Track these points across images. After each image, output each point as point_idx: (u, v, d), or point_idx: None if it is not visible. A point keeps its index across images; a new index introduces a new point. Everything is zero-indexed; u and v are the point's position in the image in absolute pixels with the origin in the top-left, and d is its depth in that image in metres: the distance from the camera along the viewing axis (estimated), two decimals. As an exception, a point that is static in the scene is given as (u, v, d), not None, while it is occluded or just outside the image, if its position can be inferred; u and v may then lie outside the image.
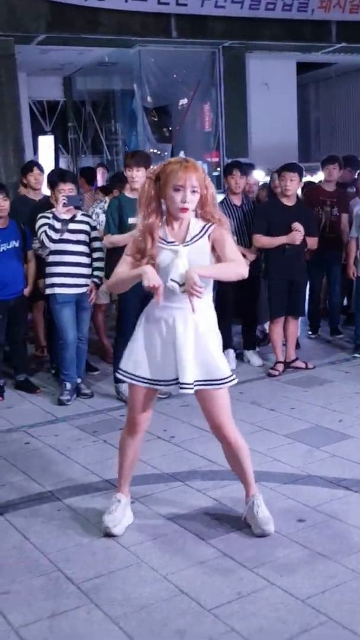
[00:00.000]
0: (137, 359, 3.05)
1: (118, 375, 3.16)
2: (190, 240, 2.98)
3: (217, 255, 2.98)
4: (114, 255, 5.04)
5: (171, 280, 2.90)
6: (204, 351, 2.98)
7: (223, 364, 3.04)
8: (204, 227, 3.00)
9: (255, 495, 3.20)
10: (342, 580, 2.73)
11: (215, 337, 3.05)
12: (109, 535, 3.14)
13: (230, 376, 3.04)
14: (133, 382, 3.08)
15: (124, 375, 3.10)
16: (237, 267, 2.94)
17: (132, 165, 4.85)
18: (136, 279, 2.94)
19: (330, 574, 2.78)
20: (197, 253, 2.96)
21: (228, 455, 3.21)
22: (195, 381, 2.98)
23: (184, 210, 2.93)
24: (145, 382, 3.06)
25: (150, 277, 2.86)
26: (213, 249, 2.98)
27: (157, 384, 3.06)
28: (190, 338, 2.96)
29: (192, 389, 2.96)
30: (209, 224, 2.99)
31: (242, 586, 2.73)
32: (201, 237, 2.98)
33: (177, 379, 2.96)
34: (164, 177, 2.93)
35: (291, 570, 2.82)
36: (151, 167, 3.04)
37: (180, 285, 2.89)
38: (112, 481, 3.72)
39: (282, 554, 2.95)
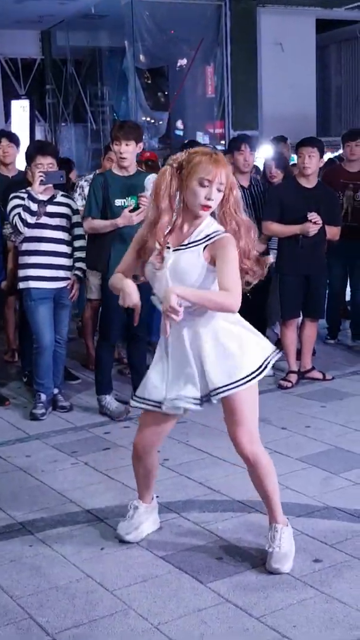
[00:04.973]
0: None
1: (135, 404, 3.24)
2: (187, 245, 3.02)
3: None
4: (95, 242, 5.03)
5: (153, 295, 3.06)
6: (219, 357, 3.05)
7: (241, 363, 3.05)
8: (209, 234, 3.01)
9: (275, 525, 3.21)
10: (366, 633, 2.72)
11: (232, 339, 3.08)
12: (122, 541, 3.38)
13: (250, 374, 3.04)
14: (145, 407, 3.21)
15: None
16: (225, 300, 2.91)
17: (120, 139, 4.84)
18: (120, 292, 3.11)
19: (351, 625, 2.77)
20: (185, 262, 2.99)
21: (250, 475, 3.25)
22: (215, 389, 3.04)
23: (206, 208, 2.99)
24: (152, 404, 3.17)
25: (127, 297, 3.05)
26: (213, 263, 2.99)
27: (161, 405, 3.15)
28: (200, 350, 3.06)
29: (200, 404, 3.08)
30: (218, 232, 3.01)
31: (248, 639, 2.72)
32: (197, 245, 3.00)
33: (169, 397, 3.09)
34: (188, 167, 2.96)
35: (306, 620, 2.81)
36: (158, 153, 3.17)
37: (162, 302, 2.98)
38: (95, 512, 3.72)
39: (295, 600, 2.94)
